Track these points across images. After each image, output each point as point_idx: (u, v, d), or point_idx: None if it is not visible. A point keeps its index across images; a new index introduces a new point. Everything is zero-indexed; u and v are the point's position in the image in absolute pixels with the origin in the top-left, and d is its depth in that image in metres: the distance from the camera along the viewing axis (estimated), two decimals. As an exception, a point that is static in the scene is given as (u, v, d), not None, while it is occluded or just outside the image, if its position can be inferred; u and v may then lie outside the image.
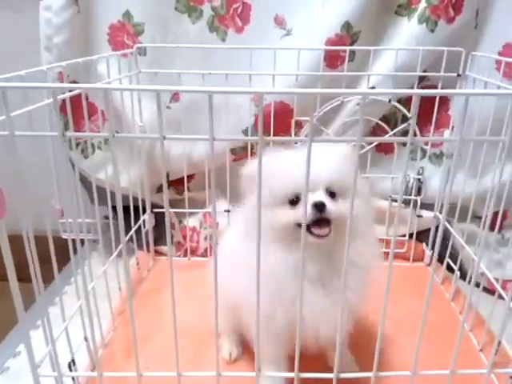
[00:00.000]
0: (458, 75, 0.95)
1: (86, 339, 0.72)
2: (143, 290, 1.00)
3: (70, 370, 0.68)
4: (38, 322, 0.60)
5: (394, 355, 0.78)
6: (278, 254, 0.60)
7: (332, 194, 0.60)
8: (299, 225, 0.57)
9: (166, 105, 1.06)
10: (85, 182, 1.07)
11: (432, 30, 0.94)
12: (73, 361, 0.69)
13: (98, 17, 1.01)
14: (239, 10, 0.99)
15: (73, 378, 0.69)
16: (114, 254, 0.88)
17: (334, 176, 0.60)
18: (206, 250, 1.12)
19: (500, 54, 0.99)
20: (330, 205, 0.58)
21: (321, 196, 0.59)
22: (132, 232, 0.98)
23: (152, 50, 1.01)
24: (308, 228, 0.57)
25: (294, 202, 0.60)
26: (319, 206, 0.58)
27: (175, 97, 1.05)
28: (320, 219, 0.58)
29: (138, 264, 1.02)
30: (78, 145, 1.04)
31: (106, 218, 0.98)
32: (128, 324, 0.84)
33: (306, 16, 0.98)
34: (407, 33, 0.96)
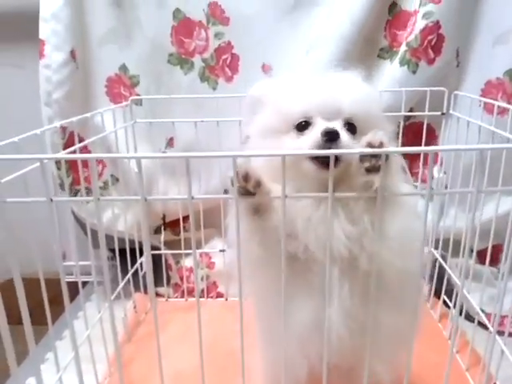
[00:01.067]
0: (443, 114, 0.98)
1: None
2: (140, 334, 1.02)
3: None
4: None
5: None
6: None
7: (351, 129, 0.51)
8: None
9: (162, 150, 1.11)
10: (84, 227, 1.12)
11: (414, 72, 0.98)
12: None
13: (96, 71, 1.08)
14: (228, 61, 1.05)
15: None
16: (113, 295, 0.90)
17: (357, 106, 0.51)
18: (202, 290, 1.14)
19: (482, 90, 1.02)
20: (345, 136, 0.48)
21: (336, 125, 0.49)
22: (129, 275, 1.01)
23: (147, 101, 1.08)
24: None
25: (303, 127, 0.51)
26: (331, 134, 0.48)
27: (170, 143, 1.10)
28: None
29: (135, 307, 1.04)
30: (76, 192, 1.09)
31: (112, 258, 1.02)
32: (124, 369, 0.85)
33: (291, 63, 1.03)
34: (390, 75, 1.00)
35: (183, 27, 1.03)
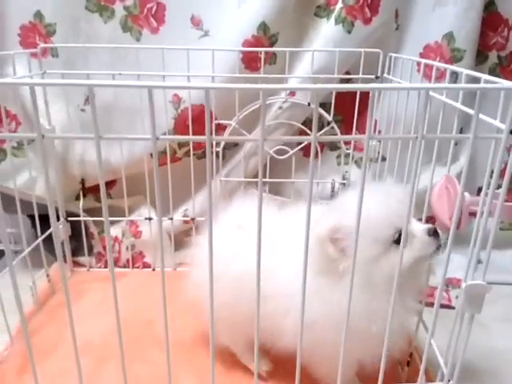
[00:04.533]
0: (377, 77, 0.96)
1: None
2: (54, 303, 0.97)
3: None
4: None
5: None
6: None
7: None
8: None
9: (80, 107, 1.04)
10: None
11: (349, 32, 0.95)
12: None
13: (8, 18, 0.99)
14: (153, 10, 0.99)
15: None
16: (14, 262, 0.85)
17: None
18: (127, 260, 1.11)
19: (421, 54, 1.01)
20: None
21: (422, 224, 0.61)
22: (39, 241, 0.96)
23: (64, 52, 1.00)
24: None
25: (399, 239, 0.57)
26: (434, 231, 0.60)
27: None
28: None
29: (47, 276, 0.99)
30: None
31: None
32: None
33: (222, 17, 0.99)
34: (325, 34, 0.97)
35: (102, -30, 0.96)
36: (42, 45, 0.96)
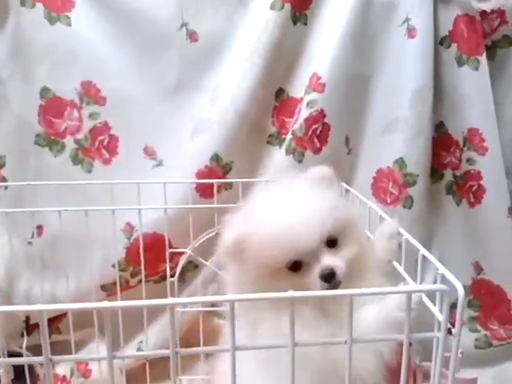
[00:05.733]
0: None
1: None
2: None
3: None
4: None
5: None
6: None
7: (332, 242, 0.56)
8: None
9: (28, 240, 1.01)
10: None
11: (299, 161, 0.97)
12: None
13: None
14: (105, 142, 1.00)
15: None
16: None
17: (331, 222, 0.55)
18: (77, 404, 1.01)
19: (374, 178, 1.02)
20: (338, 266, 0.54)
21: (326, 259, 0.54)
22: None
23: (13, 185, 0.98)
24: None
25: (296, 266, 0.55)
26: (328, 276, 0.53)
27: (38, 231, 1.00)
28: None
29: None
30: None
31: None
32: None
33: (176, 148, 1.00)
34: (277, 163, 0.98)
35: (52, 106, 0.97)
36: (-10, 182, 0.94)
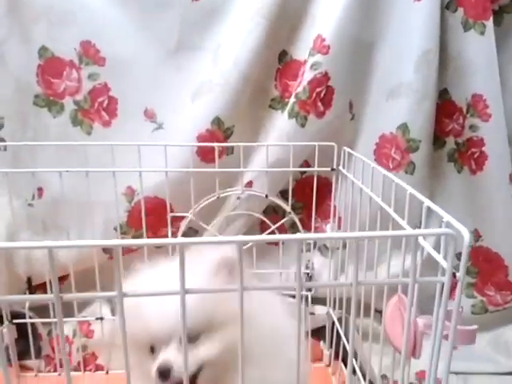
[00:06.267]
0: (333, 169, 0.96)
1: None
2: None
3: None
4: None
5: None
6: None
7: (191, 339, 0.51)
8: None
9: (28, 202, 1.00)
10: None
11: (302, 125, 0.96)
12: None
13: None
14: (105, 104, 0.98)
15: None
16: None
17: (193, 316, 0.50)
18: (79, 363, 1.03)
19: (377, 145, 1.02)
20: (177, 364, 0.49)
21: (170, 353, 0.50)
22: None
23: (11, 146, 0.97)
24: None
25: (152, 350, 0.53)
26: (162, 372, 0.50)
27: (39, 193, 1.00)
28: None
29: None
30: None
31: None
32: None
33: (176, 111, 0.99)
34: (279, 128, 0.97)
35: (51, 67, 0.95)
36: (-14, 143, 0.93)
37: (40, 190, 1.00)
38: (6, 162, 0.97)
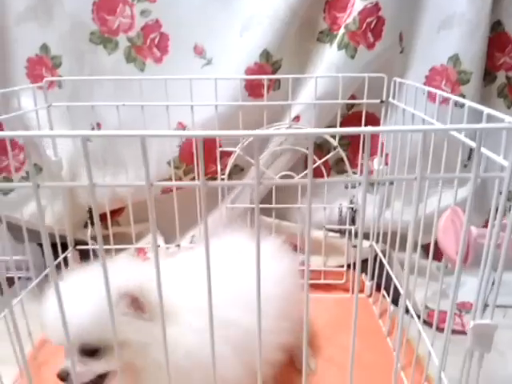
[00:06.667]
0: (382, 101, 0.96)
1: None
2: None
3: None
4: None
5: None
6: None
7: (93, 350, 0.53)
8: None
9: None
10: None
11: (352, 57, 0.96)
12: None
13: (15, 52, 1.03)
14: (156, 40, 1.01)
15: None
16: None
17: (91, 332, 0.52)
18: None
19: (427, 77, 1.01)
20: (71, 373, 0.52)
21: (69, 363, 0.52)
22: (47, 271, 0.97)
23: (69, 83, 1.03)
24: None
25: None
26: (61, 379, 0.55)
27: (97, 128, 1.06)
28: None
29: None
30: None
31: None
32: (37, 371, 0.83)
33: (225, 45, 1.00)
34: (328, 60, 0.98)
35: (105, 3, 0.98)
36: (48, 78, 0.98)
37: (98, 125, 1.05)
38: (66, 100, 1.02)
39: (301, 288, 0.71)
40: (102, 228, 1.17)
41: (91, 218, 1.11)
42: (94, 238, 1.11)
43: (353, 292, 1.11)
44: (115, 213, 1.13)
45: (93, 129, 1.04)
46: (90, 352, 0.53)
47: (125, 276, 0.54)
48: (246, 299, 0.55)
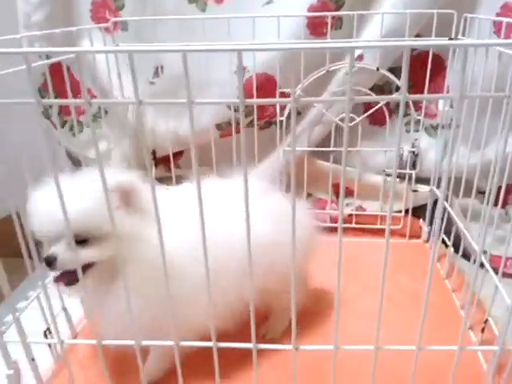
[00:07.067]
0: (451, 39, 0.93)
1: (64, 309, 0.78)
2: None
3: (46, 338, 0.74)
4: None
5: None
6: None
7: (82, 241, 0.57)
8: None
9: (149, 80, 1.09)
10: (74, 160, 1.14)
11: (420, -8, 0.92)
12: (48, 329, 0.74)
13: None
14: (218, -20, 1.01)
15: (49, 345, 0.75)
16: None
17: (82, 223, 0.55)
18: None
19: (498, 15, 0.95)
20: (60, 256, 0.56)
21: (58, 247, 0.57)
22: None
23: (132, 26, 1.05)
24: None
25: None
26: (48, 263, 0.57)
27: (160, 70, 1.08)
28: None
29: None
30: (65, 122, 1.10)
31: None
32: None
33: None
34: (394, -4, 0.94)
35: None
36: (113, 19, 1.01)
37: (161, 68, 1.08)
38: (129, 41, 1.04)
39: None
40: (164, 171, 1.23)
41: (155, 159, 1.16)
42: (157, 179, 1.15)
43: (410, 237, 1.11)
44: (177, 156, 1.17)
45: (156, 71, 1.07)
46: (78, 242, 0.55)
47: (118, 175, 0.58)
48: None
